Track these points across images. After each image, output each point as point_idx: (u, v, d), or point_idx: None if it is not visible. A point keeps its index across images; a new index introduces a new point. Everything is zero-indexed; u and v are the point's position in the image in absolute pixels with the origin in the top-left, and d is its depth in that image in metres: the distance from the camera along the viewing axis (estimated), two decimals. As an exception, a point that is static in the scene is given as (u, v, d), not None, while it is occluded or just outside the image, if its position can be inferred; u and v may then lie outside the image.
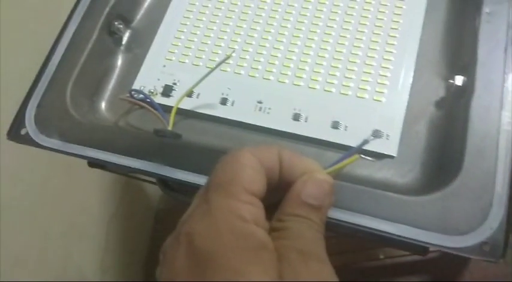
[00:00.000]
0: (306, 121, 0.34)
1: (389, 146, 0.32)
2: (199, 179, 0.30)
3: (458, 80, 0.31)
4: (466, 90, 0.31)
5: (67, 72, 0.35)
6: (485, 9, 0.32)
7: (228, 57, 0.34)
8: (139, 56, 0.38)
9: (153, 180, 0.39)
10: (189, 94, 0.35)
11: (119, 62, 0.39)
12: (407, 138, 0.32)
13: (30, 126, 0.34)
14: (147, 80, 0.37)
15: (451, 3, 0.36)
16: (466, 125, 0.29)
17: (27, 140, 0.33)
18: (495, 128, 0.29)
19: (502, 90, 0.30)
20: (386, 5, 0.37)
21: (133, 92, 0.35)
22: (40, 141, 0.33)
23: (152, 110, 0.34)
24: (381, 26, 0.36)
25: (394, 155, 0.32)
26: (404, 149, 0.32)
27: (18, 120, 0.34)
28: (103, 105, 0.37)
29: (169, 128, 0.33)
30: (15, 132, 0.34)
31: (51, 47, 0.36)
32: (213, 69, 0.33)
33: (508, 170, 0.28)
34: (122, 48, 0.39)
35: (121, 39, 0.39)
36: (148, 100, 0.34)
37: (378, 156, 0.32)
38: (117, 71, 0.38)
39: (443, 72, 0.34)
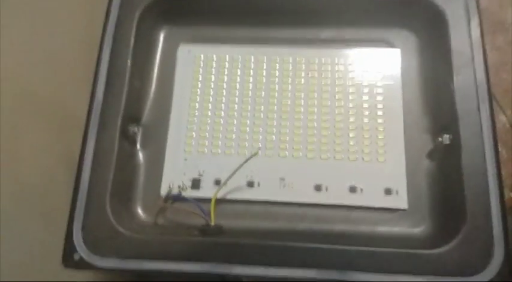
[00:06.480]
0: (326, 190, 0.39)
1: (400, 200, 0.39)
2: (260, 271, 0.34)
3: (446, 139, 0.38)
4: (454, 147, 0.37)
5: (101, 188, 0.37)
6: (455, 76, 0.39)
7: (255, 154, 0.38)
8: (156, 150, 0.41)
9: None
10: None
11: (140, 161, 0.41)
12: (412, 191, 0.39)
13: (82, 250, 0.35)
14: (174, 176, 0.40)
15: (424, 68, 0.42)
16: (461, 180, 0.36)
17: (83, 264, 0.35)
18: (485, 179, 0.36)
19: (483, 142, 0.37)
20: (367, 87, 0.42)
21: (170, 196, 0.38)
22: (96, 263, 0.35)
23: (194, 210, 0.37)
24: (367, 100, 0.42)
25: (405, 208, 0.38)
26: (412, 201, 0.38)
27: (68, 245, 0.36)
28: (138, 209, 0.39)
29: (212, 223, 0.37)
30: (69, 258, 0.35)
31: (78, 167, 0.37)
32: (241, 165, 0.37)
33: (500, 213, 0.35)
34: (138, 147, 0.41)
35: (135, 139, 0.41)
36: (185, 199, 0.38)
37: (393, 211, 0.38)
38: (141, 171, 0.40)
39: (429, 128, 0.40)
